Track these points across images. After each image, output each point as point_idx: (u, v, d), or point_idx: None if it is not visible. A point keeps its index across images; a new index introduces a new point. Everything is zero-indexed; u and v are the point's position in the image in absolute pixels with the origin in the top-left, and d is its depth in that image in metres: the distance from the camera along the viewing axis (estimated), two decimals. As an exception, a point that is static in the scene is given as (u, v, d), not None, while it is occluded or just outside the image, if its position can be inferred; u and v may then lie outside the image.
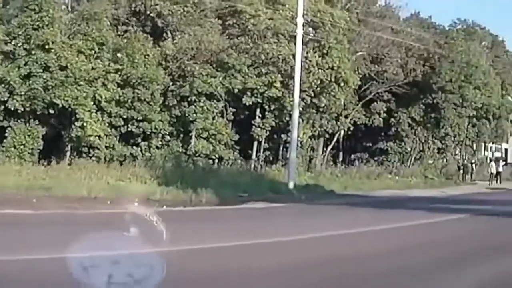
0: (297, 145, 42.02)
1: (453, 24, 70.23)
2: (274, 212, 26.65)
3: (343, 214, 25.89)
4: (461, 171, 57.83)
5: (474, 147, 69.39)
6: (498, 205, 31.76)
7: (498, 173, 57.24)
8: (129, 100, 42.47)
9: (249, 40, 46.83)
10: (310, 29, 46.54)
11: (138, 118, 43.17)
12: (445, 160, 63.14)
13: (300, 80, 38.99)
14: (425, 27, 66.19)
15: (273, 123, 47.72)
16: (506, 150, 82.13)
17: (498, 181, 55.77)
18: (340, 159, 58.72)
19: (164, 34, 47.35)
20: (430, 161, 61.05)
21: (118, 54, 42.42)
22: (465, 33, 66.64)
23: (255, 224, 21.45)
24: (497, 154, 77.84)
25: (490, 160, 64.39)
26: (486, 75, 63.49)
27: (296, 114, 38.47)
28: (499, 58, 72.60)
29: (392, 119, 61.00)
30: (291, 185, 36.28)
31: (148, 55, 43.51)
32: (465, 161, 60.74)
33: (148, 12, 47.49)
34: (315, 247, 15.67)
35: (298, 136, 41.81)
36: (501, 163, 61.14)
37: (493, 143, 75.71)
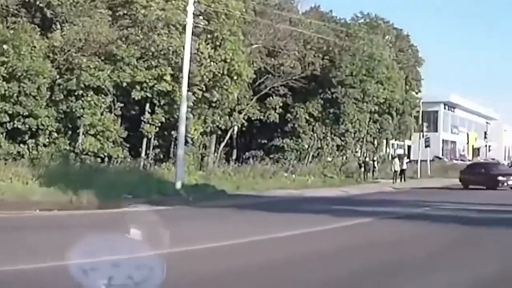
0: (188, 142, 44.11)
1: (355, 17, 75.42)
2: (157, 216, 23.26)
3: (228, 219, 25.88)
4: (362, 169, 61.43)
5: (376, 144, 73.71)
6: (405, 206, 32.77)
7: (402, 171, 60.20)
8: (15, 95, 45.15)
9: (140, 31, 50.12)
10: (201, 17, 48.13)
11: (24, 114, 45.70)
12: (345, 157, 67.13)
13: (190, 73, 40.75)
14: (325, 20, 69.92)
15: (163, 119, 50.81)
16: (409, 147, 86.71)
17: (403, 179, 59.56)
18: (234, 157, 62.41)
19: (53, 26, 49.83)
20: (329, 159, 65.12)
21: (4, 46, 44.94)
22: (368, 27, 71.71)
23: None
24: (400, 151, 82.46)
25: (393, 158, 66.88)
26: (389, 69, 68.88)
27: (184, 108, 40.09)
28: (403, 52, 77.60)
29: (289, 115, 65.61)
30: (178, 185, 37.84)
31: (35, 47, 46.09)
32: (366, 159, 64.16)
33: (38, 3, 49.69)
34: (195, 262, 15.19)
35: (189, 133, 43.99)
36: (405, 160, 63.80)
37: (395, 139, 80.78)
